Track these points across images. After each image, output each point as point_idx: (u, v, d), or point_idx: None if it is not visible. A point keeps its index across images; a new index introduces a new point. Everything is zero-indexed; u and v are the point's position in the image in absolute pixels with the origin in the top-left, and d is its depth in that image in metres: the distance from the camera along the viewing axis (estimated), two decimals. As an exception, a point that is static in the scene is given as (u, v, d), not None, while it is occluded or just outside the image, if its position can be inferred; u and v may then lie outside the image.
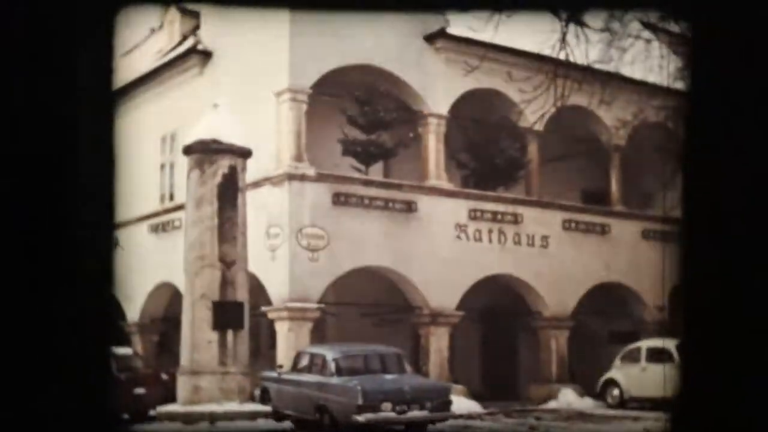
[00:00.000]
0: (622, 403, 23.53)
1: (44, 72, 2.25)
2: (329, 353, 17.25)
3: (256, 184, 21.40)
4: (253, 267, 19.98)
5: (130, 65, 31.55)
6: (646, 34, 16.23)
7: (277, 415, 18.13)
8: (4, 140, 2.24)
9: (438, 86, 24.14)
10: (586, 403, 24.28)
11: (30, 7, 2.24)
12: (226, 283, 18.65)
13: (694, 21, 2.42)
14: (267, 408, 18.35)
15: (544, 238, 25.61)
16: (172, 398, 18.94)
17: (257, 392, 19.24)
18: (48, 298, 2.26)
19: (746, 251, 2.34)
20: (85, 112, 2.27)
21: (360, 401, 15.75)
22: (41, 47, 2.24)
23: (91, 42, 2.27)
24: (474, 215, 24.48)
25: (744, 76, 2.35)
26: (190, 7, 27.40)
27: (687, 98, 2.49)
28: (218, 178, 18.86)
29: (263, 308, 21.97)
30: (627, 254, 26.42)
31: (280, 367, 19.06)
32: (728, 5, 2.35)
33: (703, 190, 2.40)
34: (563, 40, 13.42)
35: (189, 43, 26.69)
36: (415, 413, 16.16)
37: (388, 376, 16.90)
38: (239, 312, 18.78)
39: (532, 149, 25.69)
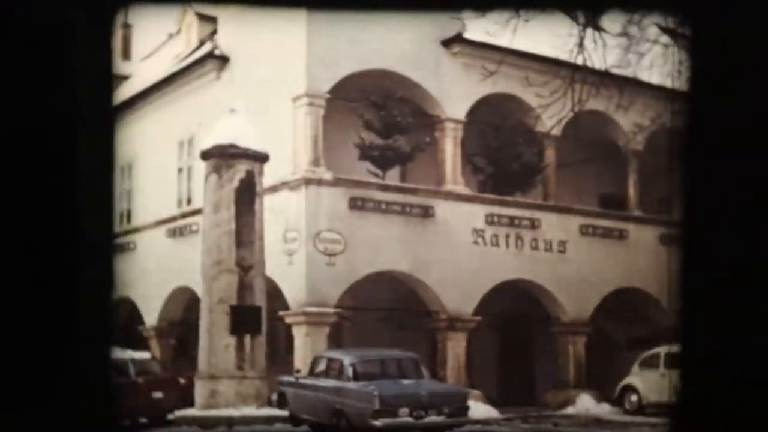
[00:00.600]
0: (641, 409, 23.40)
1: (43, 72, 2.25)
2: (346, 358, 17.24)
3: (274, 189, 21.43)
4: (270, 271, 20.01)
5: (147, 70, 31.70)
6: (665, 38, 16.17)
7: (294, 420, 18.13)
8: (2, 142, 2.24)
9: (455, 91, 24.11)
10: (604, 409, 24.17)
11: (28, 6, 2.24)
12: (243, 287, 18.69)
13: (694, 21, 2.41)
14: (284, 412, 18.37)
15: (562, 243, 25.53)
16: (189, 402, 18.99)
17: (274, 397, 19.25)
18: (48, 302, 2.26)
19: (746, 252, 2.33)
20: (84, 113, 2.27)
21: (377, 406, 15.73)
22: (39, 47, 2.24)
23: (90, 42, 2.27)
24: (491, 220, 24.43)
25: (744, 77, 2.34)
26: (208, 12, 27.51)
27: (687, 98, 2.48)
28: (235, 183, 18.91)
29: (280, 313, 21.98)
30: (645, 259, 26.27)
31: (298, 371, 19.07)
32: (729, 5, 2.34)
33: (702, 191, 2.39)
34: (581, 44, 13.41)
35: (206, 48, 26.76)
36: (432, 418, 16.12)
37: (405, 381, 16.87)
38: (256, 316, 18.82)
39: (550, 154, 25.62)
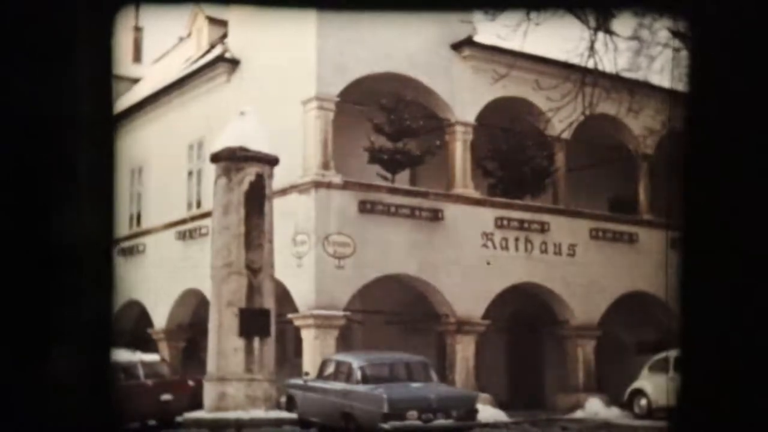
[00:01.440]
0: (650, 413, 23.33)
1: (42, 73, 2.24)
2: (355, 361, 17.24)
3: (283, 192, 21.45)
4: (280, 274, 20.01)
5: (158, 73, 31.79)
6: (676, 42, 16.13)
7: (303, 423, 18.13)
8: (1, 142, 2.24)
9: (465, 94, 24.10)
10: (613, 413, 24.10)
11: (27, 6, 2.24)
12: (252, 290, 18.69)
13: (693, 20, 2.40)
14: (293, 415, 18.37)
15: (571, 246, 25.49)
16: (198, 405, 19.01)
17: (283, 399, 19.27)
18: (47, 303, 2.26)
19: (747, 255, 2.32)
20: (84, 115, 2.27)
21: (386, 409, 15.73)
22: (38, 47, 2.24)
23: (91, 42, 2.26)
24: (501, 223, 24.41)
25: (745, 77, 2.33)
26: (218, 15, 27.58)
27: (686, 99, 2.47)
28: (245, 186, 18.92)
29: (289, 315, 22.00)
30: (655, 263, 26.17)
31: (307, 374, 19.08)
32: (728, 5, 2.33)
33: (702, 193, 2.38)
34: (591, 48, 13.39)
35: (217, 51, 26.82)
36: (441, 422, 16.12)
37: (414, 385, 16.86)
38: (265, 319, 18.82)
39: (560, 157, 25.59)
